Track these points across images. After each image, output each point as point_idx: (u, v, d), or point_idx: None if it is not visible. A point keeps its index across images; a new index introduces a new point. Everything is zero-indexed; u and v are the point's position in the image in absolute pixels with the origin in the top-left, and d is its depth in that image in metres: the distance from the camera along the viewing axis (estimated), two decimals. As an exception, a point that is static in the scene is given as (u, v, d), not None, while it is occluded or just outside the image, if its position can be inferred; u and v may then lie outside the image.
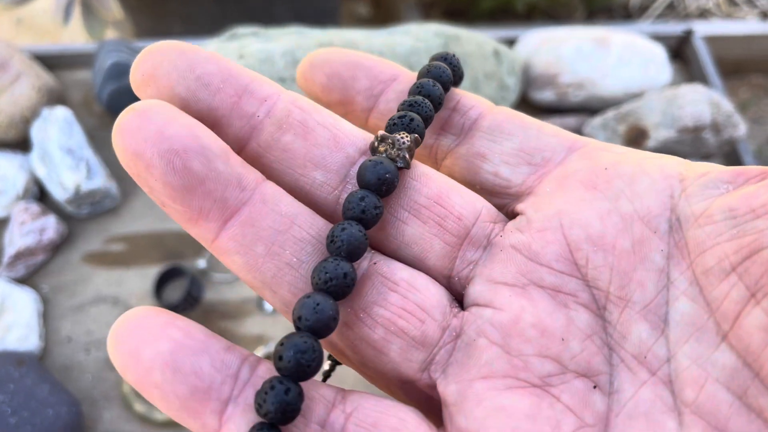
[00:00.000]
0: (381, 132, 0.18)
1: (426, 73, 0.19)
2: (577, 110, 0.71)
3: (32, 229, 0.58)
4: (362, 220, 0.16)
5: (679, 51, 0.79)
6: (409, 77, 0.20)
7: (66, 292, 0.59)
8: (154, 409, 0.52)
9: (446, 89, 0.19)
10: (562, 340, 0.16)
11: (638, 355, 0.15)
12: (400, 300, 0.16)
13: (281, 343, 0.15)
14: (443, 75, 0.19)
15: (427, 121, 0.18)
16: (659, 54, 0.70)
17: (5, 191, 0.61)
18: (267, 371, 0.15)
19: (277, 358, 0.15)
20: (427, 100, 0.18)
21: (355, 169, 0.17)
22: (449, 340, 0.16)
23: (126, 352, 0.14)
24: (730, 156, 0.70)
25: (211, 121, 0.16)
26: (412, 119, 0.18)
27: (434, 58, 0.20)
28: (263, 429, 0.14)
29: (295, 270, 0.16)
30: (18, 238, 0.58)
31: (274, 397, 0.14)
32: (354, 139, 0.17)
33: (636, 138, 0.64)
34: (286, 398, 0.14)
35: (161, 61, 0.16)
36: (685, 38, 0.78)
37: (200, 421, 0.14)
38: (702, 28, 0.79)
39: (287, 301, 0.16)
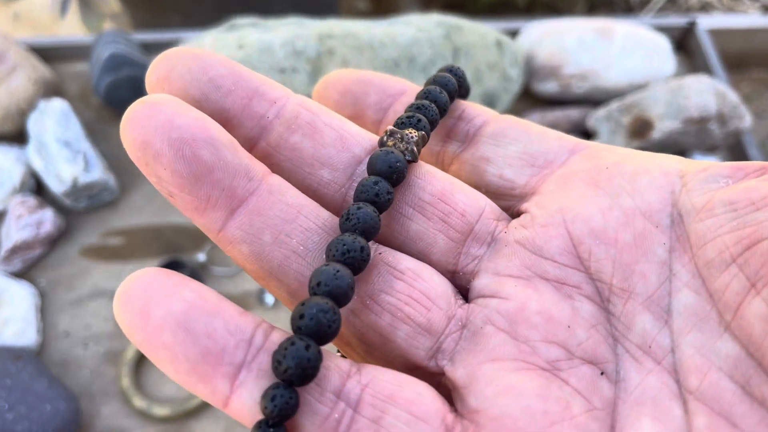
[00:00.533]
0: (390, 127, 0.18)
1: (432, 82, 0.20)
2: (580, 102, 0.70)
3: (29, 222, 0.58)
4: (376, 203, 0.16)
5: (683, 43, 0.78)
6: (416, 91, 0.20)
7: (64, 286, 0.58)
8: (154, 405, 0.51)
9: (451, 98, 0.20)
10: (568, 327, 0.16)
11: (643, 345, 0.15)
12: (406, 288, 0.17)
13: (302, 303, 0.14)
14: (449, 84, 0.20)
15: (433, 124, 0.19)
16: (663, 44, 0.69)
17: (2, 184, 0.60)
18: (281, 338, 0.15)
19: (297, 317, 0.14)
20: (433, 105, 0.19)
21: (361, 168, 0.18)
22: (455, 329, 0.17)
23: (135, 310, 0.14)
24: (735, 148, 0.69)
25: (222, 121, 0.17)
26: (419, 120, 0.18)
27: (441, 71, 0.21)
28: (279, 388, 0.14)
29: (302, 258, 0.16)
30: (15, 232, 0.57)
31: (295, 352, 0.14)
32: (360, 139, 0.18)
33: (640, 129, 0.63)
34: (307, 354, 0.14)
35: (175, 65, 0.17)
36: (689, 30, 0.77)
37: (210, 386, 0.14)
38: (703, 22, 0.78)
39: (293, 291, 0.16)
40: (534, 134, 0.19)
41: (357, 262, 0.15)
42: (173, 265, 0.58)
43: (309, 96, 0.21)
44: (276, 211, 0.16)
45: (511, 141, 0.19)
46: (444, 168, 0.20)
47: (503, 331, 0.16)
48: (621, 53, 0.67)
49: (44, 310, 0.56)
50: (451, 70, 0.21)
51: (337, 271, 0.15)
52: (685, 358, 0.15)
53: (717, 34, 0.79)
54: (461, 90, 0.21)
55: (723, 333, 0.15)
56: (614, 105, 0.65)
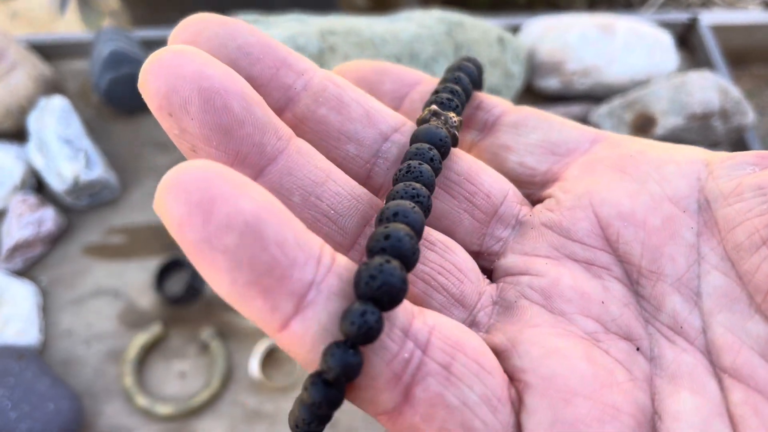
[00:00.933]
0: (434, 107, 0.18)
1: (457, 68, 0.20)
2: (582, 98, 0.70)
3: (30, 221, 0.57)
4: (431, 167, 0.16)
5: (685, 38, 0.78)
6: (431, 81, 0.20)
7: (65, 285, 0.58)
8: (156, 403, 0.51)
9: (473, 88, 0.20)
10: (602, 303, 0.16)
11: (674, 326, 0.16)
12: (439, 258, 0.16)
13: (385, 226, 0.14)
14: (472, 74, 0.20)
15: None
16: (665, 40, 0.69)
17: (2, 182, 0.59)
18: (347, 262, 0.14)
19: (380, 237, 0.13)
20: (463, 93, 0.19)
21: (387, 145, 0.17)
22: (487, 304, 0.16)
23: (192, 203, 0.12)
24: (738, 144, 0.69)
25: None
26: (457, 105, 0.18)
27: (462, 60, 0.21)
28: (369, 306, 0.12)
29: (332, 222, 0.16)
30: (16, 231, 0.57)
31: (392, 270, 0.12)
32: (386, 116, 0.18)
33: (643, 126, 0.63)
34: (402, 275, 0.12)
35: (202, 30, 0.16)
36: (691, 26, 0.77)
37: (271, 303, 0.12)
38: (705, 18, 0.78)
39: None
40: (554, 123, 0.19)
41: (425, 208, 0.15)
42: (175, 263, 0.58)
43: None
44: (306, 172, 0.16)
45: (532, 130, 0.19)
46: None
47: (538, 304, 0.16)
48: (623, 49, 0.67)
49: (46, 309, 0.56)
50: (470, 60, 0.21)
51: (414, 207, 0.14)
52: (717, 338, 0.15)
53: (718, 30, 0.78)
54: (479, 81, 0.21)
55: (754, 314, 0.15)
56: (616, 101, 0.65)
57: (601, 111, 0.65)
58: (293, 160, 0.15)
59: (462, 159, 0.18)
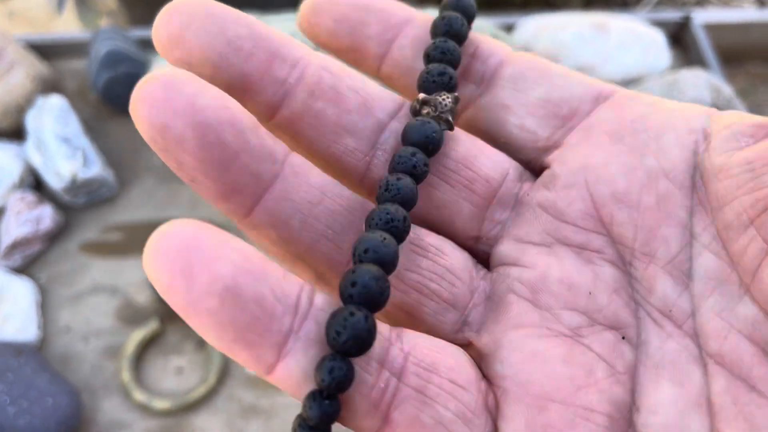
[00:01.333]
0: (422, 95, 0.17)
1: (450, 5, 0.18)
2: (576, 96, 0.71)
3: (29, 218, 0.58)
4: (413, 174, 0.16)
5: (678, 37, 0.79)
6: (423, 20, 0.18)
7: (63, 282, 0.58)
8: (154, 398, 0.51)
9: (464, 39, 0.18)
10: (590, 294, 0.16)
11: (664, 309, 0.15)
12: (431, 264, 0.16)
13: (352, 271, 0.14)
14: (467, 7, 0.18)
15: (456, 68, 0.18)
16: (658, 39, 0.70)
17: (0, 181, 0.60)
18: (324, 302, 0.14)
19: (348, 284, 0.14)
20: (457, 47, 0.17)
21: (385, 135, 0.17)
22: (480, 301, 0.17)
23: (175, 271, 0.12)
24: (730, 142, 0.70)
25: (243, 87, 0.16)
26: (450, 77, 0.17)
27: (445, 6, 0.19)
28: (336, 360, 0.13)
29: (329, 241, 0.16)
30: (14, 228, 0.57)
31: (356, 323, 0.13)
32: (383, 102, 0.17)
33: (636, 123, 0.63)
34: (366, 326, 0.13)
35: (189, 22, 0.15)
36: (684, 24, 0.78)
37: (255, 354, 0.13)
38: (699, 16, 0.78)
39: (320, 273, 0.16)
40: (556, 77, 0.18)
41: (400, 233, 0.15)
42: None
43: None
44: (302, 194, 0.15)
45: (532, 85, 0.18)
46: (458, 113, 0.19)
47: (525, 299, 0.16)
48: (618, 48, 0.68)
49: (44, 306, 0.57)
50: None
51: (384, 238, 0.14)
52: (705, 322, 0.15)
53: (713, 28, 0.79)
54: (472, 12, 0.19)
55: (743, 296, 0.14)
56: (610, 99, 0.65)
57: (594, 109, 0.66)
58: (290, 183, 0.15)
59: (459, 143, 0.17)
